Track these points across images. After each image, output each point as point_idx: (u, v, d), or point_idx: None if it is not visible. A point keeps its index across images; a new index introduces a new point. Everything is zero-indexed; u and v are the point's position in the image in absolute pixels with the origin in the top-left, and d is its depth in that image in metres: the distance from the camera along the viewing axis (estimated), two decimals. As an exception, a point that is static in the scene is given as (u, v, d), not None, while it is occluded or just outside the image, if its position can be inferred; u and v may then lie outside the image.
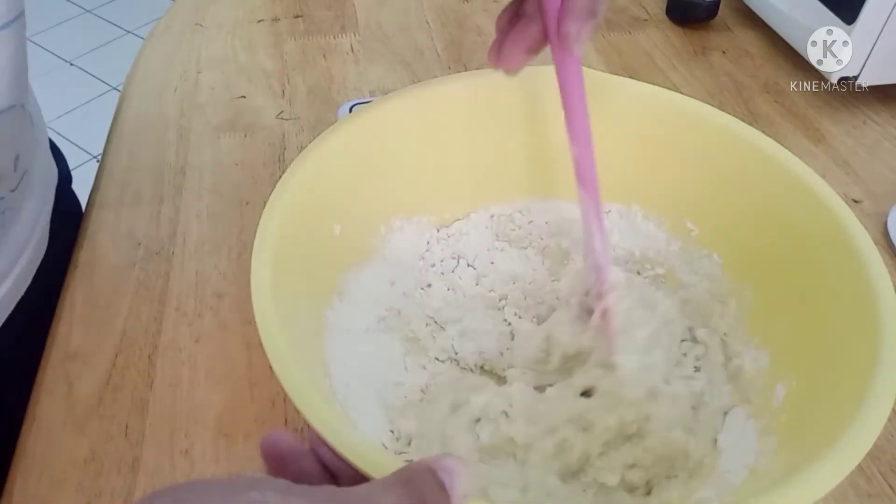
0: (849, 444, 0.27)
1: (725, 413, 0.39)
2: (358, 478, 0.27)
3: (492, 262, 0.45)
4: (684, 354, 0.42)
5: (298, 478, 0.28)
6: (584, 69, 0.43)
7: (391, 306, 0.43)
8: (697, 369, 0.41)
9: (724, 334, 0.41)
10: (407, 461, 0.26)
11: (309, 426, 0.28)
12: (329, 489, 0.22)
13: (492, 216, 0.47)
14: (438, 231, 0.46)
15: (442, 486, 0.22)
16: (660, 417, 0.37)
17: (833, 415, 0.30)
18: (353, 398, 0.36)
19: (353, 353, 0.39)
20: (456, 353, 0.42)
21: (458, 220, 0.47)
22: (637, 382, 0.39)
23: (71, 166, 0.62)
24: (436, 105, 0.43)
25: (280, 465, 0.28)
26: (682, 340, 0.42)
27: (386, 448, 0.37)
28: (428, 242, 0.46)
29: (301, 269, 0.36)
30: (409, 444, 0.38)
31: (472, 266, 0.46)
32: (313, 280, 0.38)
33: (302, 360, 0.32)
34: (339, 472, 0.29)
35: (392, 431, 0.38)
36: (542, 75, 0.44)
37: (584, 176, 0.38)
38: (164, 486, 0.20)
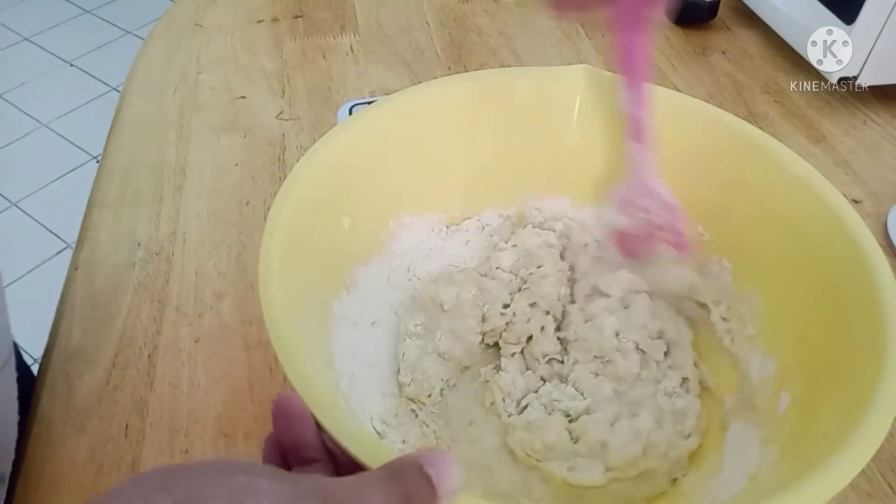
0: (846, 457, 0.27)
1: (728, 421, 0.39)
2: (357, 465, 0.27)
3: (497, 267, 0.45)
4: (670, 368, 0.42)
5: (299, 443, 0.28)
6: (600, 70, 0.43)
7: (399, 301, 0.43)
8: (685, 380, 0.41)
9: (732, 341, 0.41)
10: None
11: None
12: (317, 478, 0.22)
13: (500, 216, 0.47)
14: (448, 228, 0.46)
15: (429, 481, 0.22)
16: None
17: (835, 425, 0.30)
18: (357, 389, 0.37)
19: (359, 346, 0.39)
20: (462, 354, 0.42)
21: (469, 218, 0.47)
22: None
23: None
24: (444, 104, 0.43)
25: (286, 425, 0.28)
26: (668, 362, 0.42)
27: (383, 439, 0.37)
28: (437, 239, 0.46)
29: (309, 259, 0.36)
30: (406, 439, 0.38)
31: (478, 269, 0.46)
32: (321, 271, 0.38)
33: (306, 349, 0.32)
34: (341, 457, 0.29)
35: (392, 424, 0.39)
36: (547, 75, 0.44)
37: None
38: (153, 468, 0.20)
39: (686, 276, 0.43)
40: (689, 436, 0.39)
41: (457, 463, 0.23)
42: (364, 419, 0.36)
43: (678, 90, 0.60)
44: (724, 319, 0.41)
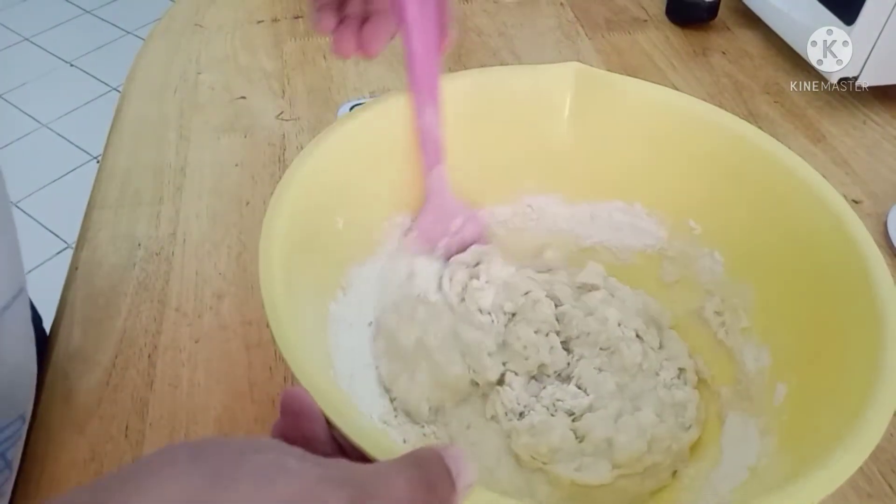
0: (849, 449, 0.27)
1: (725, 413, 0.39)
2: (368, 461, 0.27)
3: (478, 309, 0.45)
4: (666, 359, 0.42)
5: (309, 438, 0.29)
6: (590, 68, 0.44)
7: (395, 302, 0.43)
8: (682, 370, 0.42)
9: (726, 333, 0.41)
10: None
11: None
12: (343, 462, 0.22)
13: (492, 213, 0.47)
14: None
15: (449, 473, 0.23)
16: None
17: (834, 416, 0.30)
18: (357, 390, 0.37)
19: (356, 347, 0.39)
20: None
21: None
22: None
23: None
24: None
25: (294, 420, 0.28)
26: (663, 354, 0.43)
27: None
28: None
29: (306, 260, 0.36)
30: (407, 439, 0.38)
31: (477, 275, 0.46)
32: (318, 272, 0.38)
33: (308, 349, 0.32)
34: (351, 453, 0.29)
35: (392, 423, 0.39)
36: (539, 72, 0.44)
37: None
38: (187, 440, 0.20)
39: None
40: (689, 427, 0.39)
41: (473, 463, 0.24)
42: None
43: (678, 90, 0.60)
44: (717, 313, 0.42)
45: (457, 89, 0.44)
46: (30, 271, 1.58)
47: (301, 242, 0.36)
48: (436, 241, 0.44)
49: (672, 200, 0.44)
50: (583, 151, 0.44)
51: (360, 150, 0.41)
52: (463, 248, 0.45)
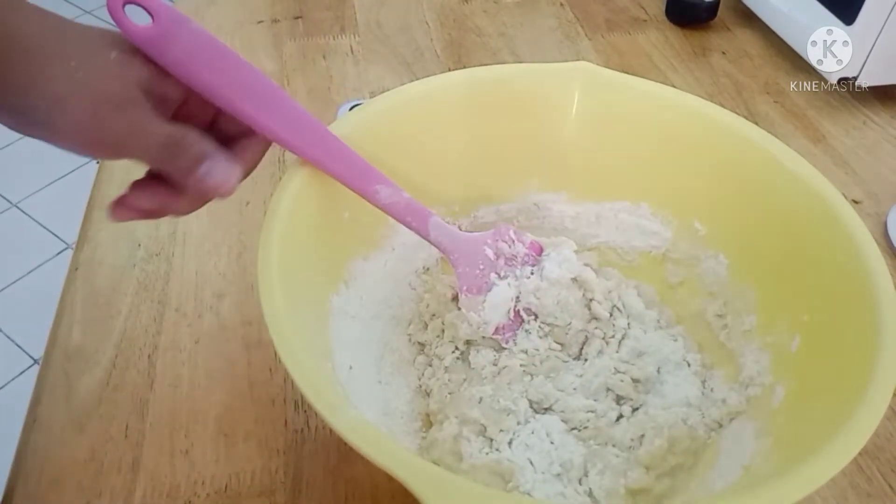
0: (835, 448, 0.27)
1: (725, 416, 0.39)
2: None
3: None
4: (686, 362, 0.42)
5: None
6: (598, 67, 0.44)
7: (398, 296, 0.43)
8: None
9: (728, 335, 0.41)
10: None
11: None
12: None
13: (498, 211, 0.47)
14: (447, 223, 0.46)
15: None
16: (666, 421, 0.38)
17: (827, 417, 0.30)
18: (355, 382, 0.37)
19: (357, 339, 0.39)
20: (460, 351, 0.42)
21: (467, 215, 0.47)
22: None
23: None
24: (443, 100, 0.43)
25: None
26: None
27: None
28: None
29: (308, 253, 0.37)
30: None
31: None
32: (320, 265, 0.38)
33: (304, 339, 0.32)
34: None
35: (391, 415, 0.39)
36: (547, 71, 0.44)
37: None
38: None
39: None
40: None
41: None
42: (363, 410, 0.36)
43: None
44: (719, 316, 0.42)
45: (464, 86, 0.44)
46: (30, 271, 1.58)
47: (302, 234, 0.36)
48: (484, 282, 0.41)
49: (678, 201, 0.44)
50: (589, 150, 0.44)
51: (366, 145, 0.41)
52: (524, 258, 0.42)
